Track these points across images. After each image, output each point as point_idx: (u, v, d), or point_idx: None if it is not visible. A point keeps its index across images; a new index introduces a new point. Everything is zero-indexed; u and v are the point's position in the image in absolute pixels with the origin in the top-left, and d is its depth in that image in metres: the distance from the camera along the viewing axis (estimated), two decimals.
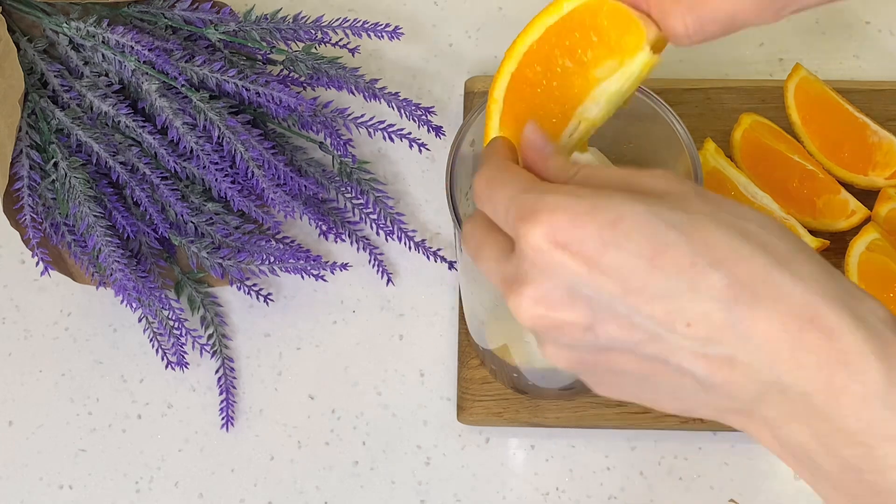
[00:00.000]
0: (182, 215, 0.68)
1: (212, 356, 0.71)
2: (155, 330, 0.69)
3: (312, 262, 0.69)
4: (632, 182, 0.40)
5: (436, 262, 0.72)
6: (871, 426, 0.36)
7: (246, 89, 0.67)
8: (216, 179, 0.68)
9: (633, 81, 0.46)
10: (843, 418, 0.36)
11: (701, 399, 0.39)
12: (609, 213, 0.37)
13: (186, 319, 0.70)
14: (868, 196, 0.70)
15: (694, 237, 0.37)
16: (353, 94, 0.71)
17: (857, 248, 0.68)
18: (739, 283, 0.37)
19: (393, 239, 0.72)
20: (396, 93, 0.70)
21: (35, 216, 0.66)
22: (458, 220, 0.53)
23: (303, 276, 0.72)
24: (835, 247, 0.70)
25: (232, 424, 0.69)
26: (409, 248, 0.72)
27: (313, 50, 0.71)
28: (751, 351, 0.37)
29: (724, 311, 0.37)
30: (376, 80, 0.71)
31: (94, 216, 0.66)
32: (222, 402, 0.69)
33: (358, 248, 0.73)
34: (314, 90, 0.73)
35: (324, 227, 0.72)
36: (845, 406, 0.36)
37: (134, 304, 0.68)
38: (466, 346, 0.69)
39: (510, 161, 0.44)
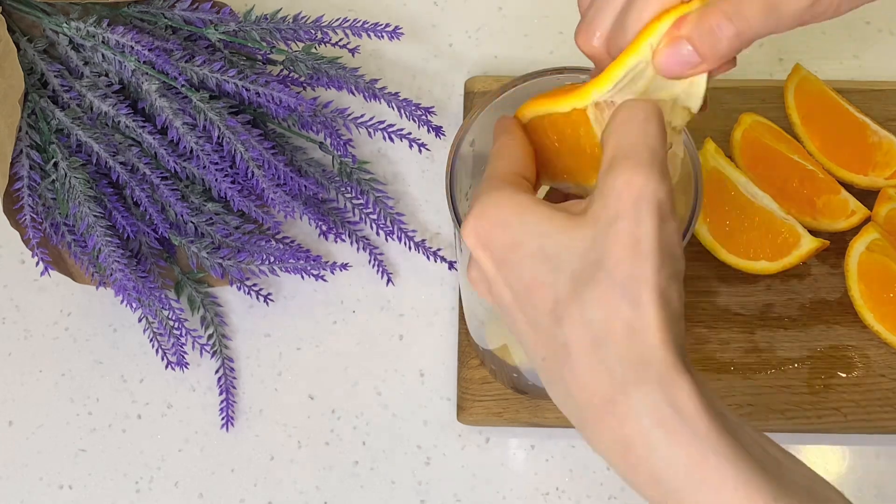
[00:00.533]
0: (182, 215, 0.68)
1: (212, 356, 0.71)
2: (155, 330, 0.69)
3: (312, 262, 0.69)
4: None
5: (436, 262, 0.72)
6: (664, 500, 0.40)
7: (246, 89, 0.67)
8: (216, 179, 0.68)
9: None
10: (641, 491, 0.40)
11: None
12: (513, 235, 0.43)
13: (186, 319, 0.70)
14: (868, 196, 0.71)
15: (564, 281, 0.41)
16: (353, 94, 0.71)
17: (857, 248, 0.68)
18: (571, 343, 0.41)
19: (393, 239, 0.72)
20: (396, 93, 0.70)
21: (35, 216, 0.66)
22: (458, 220, 0.53)
23: (303, 276, 0.72)
24: (835, 247, 0.70)
25: (232, 424, 0.69)
26: (409, 248, 0.72)
27: (313, 50, 0.71)
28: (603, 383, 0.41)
29: (553, 349, 0.42)
30: (376, 80, 0.71)
31: (94, 216, 0.66)
32: (222, 402, 0.69)
33: (358, 248, 0.73)
34: (314, 90, 0.73)
35: (324, 227, 0.72)
36: (641, 482, 0.40)
37: (134, 304, 0.68)
38: (466, 346, 0.69)
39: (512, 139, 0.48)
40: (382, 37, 0.71)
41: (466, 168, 0.59)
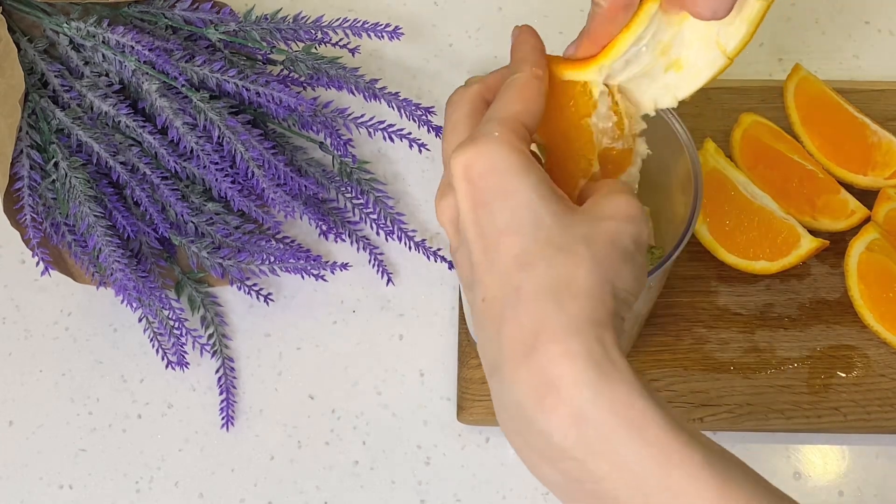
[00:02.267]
0: (182, 215, 0.68)
1: (212, 356, 0.71)
2: (155, 330, 0.69)
3: (312, 262, 0.69)
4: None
5: (436, 262, 0.72)
6: (579, 443, 0.40)
7: (246, 89, 0.67)
8: (216, 179, 0.68)
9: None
10: (553, 435, 0.41)
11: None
12: (507, 185, 0.44)
13: (186, 319, 0.70)
14: (868, 196, 0.71)
15: (537, 244, 0.43)
16: (353, 94, 0.71)
17: (857, 248, 0.69)
18: (524, 300, 0.43)
19: (393, 239, 0.72)
20: (396, 93, 0.70)
21: (35, 216, 0.66)
22: None
23: (303, 276, 0.72)
24: (834, 247, 0.70)
25: (232, 424, 0.69)
26: (409, 248, 0.72)
27: (313, 50, 0.71)
28: (497, 350, 0.44)
29: (502, 289, 0.43)
30: (376, 80, 0.71)
31: (95, 216, 0.66)
32: (222, 402, 0.69)
33: (358, 248, 0.73)
34: (314, 90, 0.73)
35: (324, 227, 0.72)
36: (555, 424, 0.41)
37: (134, 304, 0.68)
38: (466, 346, 0.69)
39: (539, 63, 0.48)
40: (382, 37, 0.71)
41: None
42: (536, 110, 0.46)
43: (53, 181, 0.67)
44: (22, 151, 0.66)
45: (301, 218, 0.71)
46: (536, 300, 0.42)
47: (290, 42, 0.71)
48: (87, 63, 0.68)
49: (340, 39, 0.71)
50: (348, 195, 0.73)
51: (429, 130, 0.71)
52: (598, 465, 0.40)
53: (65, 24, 0.68)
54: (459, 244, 0.46)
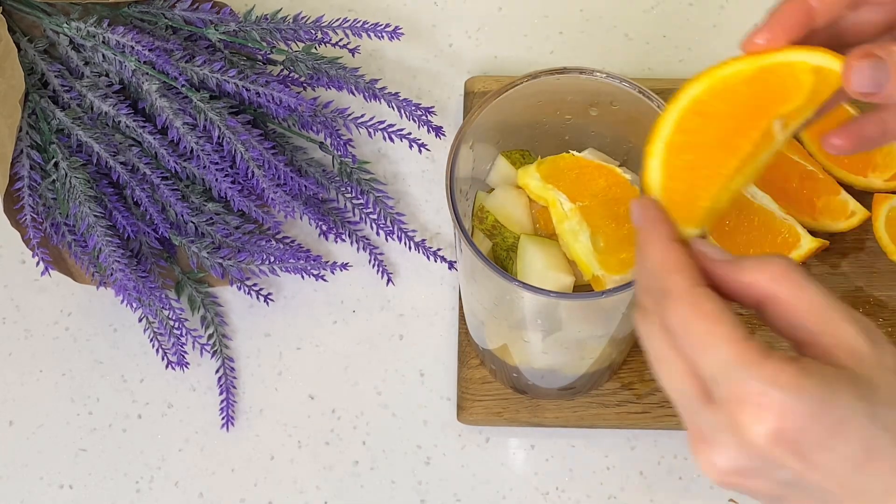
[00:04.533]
0: (182, 215, 0.68)
1: (212, 356, 0.71)
2: (155, 330, 0.69)
3: (312, 262, 0.69)
4: (827, 341, 0.40)
5: (436, 262, 0.72)
6: None
7: (246, 89, 0.67)
8: (216, 179, 0.68)
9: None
10: None
11: None
12: (833, 416, 0.38)
13: (186, 319, 0.70)
14: (867, 197, 0.71)
15: None
16: (353, 94, 0.71)
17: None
18: None
19: (393, 239, 0.72)
20: (396, 93, 0.70)
21: (35, 216, 0.66)
22: (458, 220, 0.53)
23: (303, 276, 0.72)
24: (835, 247, 0.70)
25: (232, 424, 0.69)
26: (409, 248, 0.72)
27: (313, 50, 0.71)
28: None
29: None
30: (376, 80, 0.71)
31: (95, 216, 0.66)
32: (222, 402, 0.69)
33: (358, 248, 0.73)
34: (314, 90, 0.73)
35: (324, 227, 0.72)
36: None
37: (134, 304, 0.68)
38: (466, 346, 0.69)
39: (683, 257, 0.42)
40: (382, 37, 0.71)
41: (466, 168, 0.59)
42: (735, 319, 0.41)
43: (53, 181, 0.67)
44: (22, 151, 0.66)
45: (301, 218, 0.71)
46: None
47: (290, 42, 0.71)
48: (87, 63, 0.68)
49: (340, 39, 0.71)
50: (348, 195, 0.73)
51: (429, 130, 0.71)
52: None
53: (65, 25, 0.68)
54: (785, 495, 0.40)
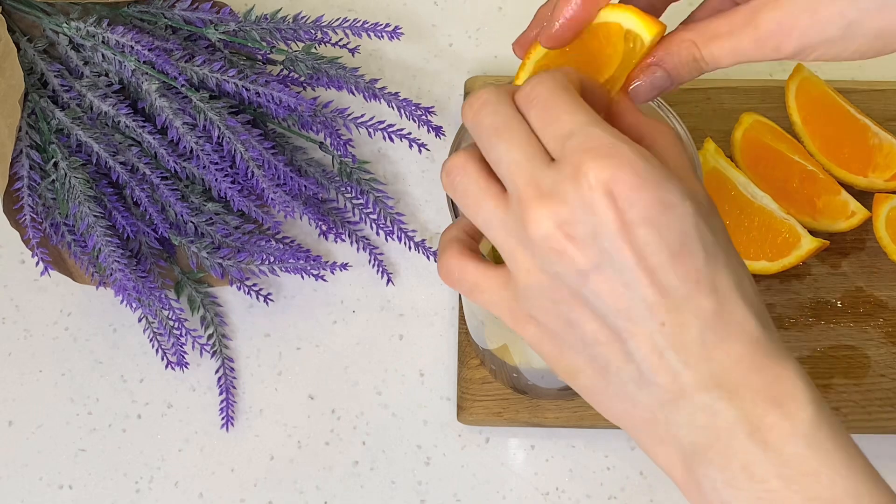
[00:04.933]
0: (182, 215, 0.68)
1: (212, 356, 0.71)
2: (155, 330, 0.69)
3: (312, 262, 0.69)
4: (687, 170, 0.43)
5: (436, 262, 0.72)
6: (792, 462, 0.39)
7: (246, 89, 0.67)
8: (216, 179, 0.68)
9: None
10: (766, 452, 0.39)
11: (624, 391, 0.41)
12: (669, 195, 0.40)
13: (186, 319, 0.70)
14: (868, 197, 0.71)
15: (710, 258, 0.40)
16: (353, 94, 0.71)
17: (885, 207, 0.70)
18: (722, 314, 0.40)
19: (393, 239, 0.72)
20: (396, 93, 0.70)
21: (35, 216, 0.66)
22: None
23: (303, 276, 0.72)
24: (835, 247, 0.70)
25: (232, 424, 0.69)
26: (409, 248, 0.72)
27: (313, 50, 0.71)
28: (702, 370, 0.40)
29: (698, 331, 0.40)
30: (376, 80, 0.71)
31: (94, 216, 0.66)
32: (222, 402, 0.69)
33: (358, 248, 0.73)
34: (314, 90, 0.73)
35: (324, 227, 0.72)
36: (771, 441, 0.39)
37: (134, 304, 0.68)
38: (466, 346, 0.69)
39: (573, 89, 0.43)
40: (382, 37, 0.71)
41: None
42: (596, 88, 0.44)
43: (53, 181, 0.67)
44: (22, 151, 0.66)
45: (301, 218, 0.71)
46: (738, 303, 0.40)
47: (290, 42, 0.71)
48: (86, 63, 0.68)
49: (340, 39, 0.71)
50: (348, 195, 0.73)
51: (429, 130, 0.71)
52: (808, 485, 0.39)
53: (64, 24, 0.68)
54: (594, 269, 0.40)
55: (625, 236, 0.39)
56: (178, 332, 0.69)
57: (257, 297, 0.71)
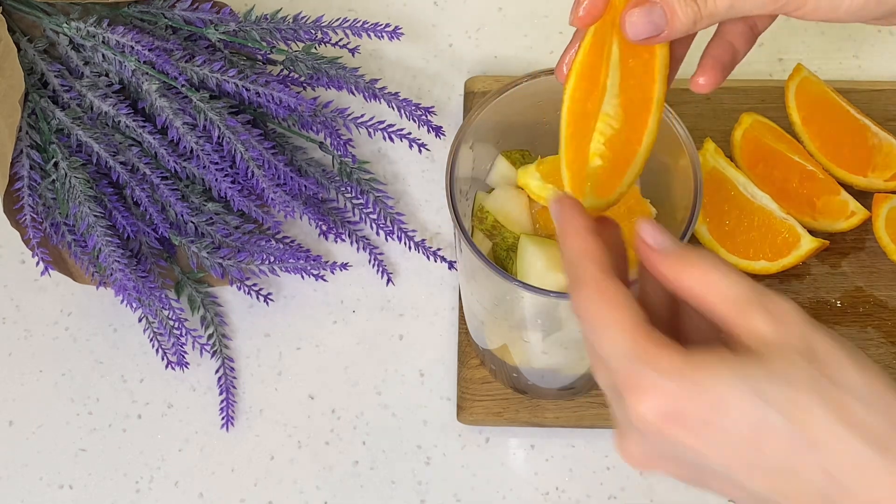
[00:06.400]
0: (182, 215, 0.68)
1: (212, 356, 0.71)
2: (155, 330, 0.69)
3: (312, 262, 0.69)
4: (738, 331, 0.41)
5: (436, 262, 0.72)
6: None
7: (246, 89, 0.67)
8: (216, 179, 0.68)
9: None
10: None
11: None
12: (711, 394, 0.39)
13: (186, 319, 0.70)
14: (867, 197, 0.71)
15: (793, 417, 0.39)
16: (353, 94, 0.71)
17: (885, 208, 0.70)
18: (834, 469, 0.39)
19: (393, 239, 0.72)
20: (396, 93, 0.70)
21: (35, 216, 0.66)
22: (458, 220, 0.53)
23: (303, 276, 0.72)
24: (834, 247, 0.70)
25: (232, 424, 0.69)
26: (409, 248, 0.72)
27: (313, 50, 0.71)
28: None
29: (818, 494, 0.39)
30: (376, 80, 0.71)
31: (94, 216, 0.66)
32: (222, 402, 0.69)
33: (358, 248, 0.73)
34: (314, 90, 0.73)
35: (324, 227, 0.72)
36: None
37: (134, 304, 0.68)
38: (466, 346, 0.69)
39: (595, 247, 0.44)
40: (382, 37, 0.71)
41: (466, 168, 0.59)
42: (638, 307, 0.42)
43: (53, 181, 0.67)
44: (22, 151, 0.66)
45: (301, 218, 0.71)
46: (860, 473, 0.38)
47: (290, 42, 0.71)
48: (86, 63, 0.68)
49: (340, 39, 0.71)
50: (348, 195, 0.73)
51: (429, 130, 0.71)
52: None
53: (65, 24, 0.68)
54: (698, 478, 0.42)
55: (702, 447, 0.40)
56: (178, 332, 0.69)
57: (257, 297, 0.71)
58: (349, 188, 0.72)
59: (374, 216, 0.72)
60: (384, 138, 0.71)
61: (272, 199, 0.68)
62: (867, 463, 0.38)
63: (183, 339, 0.69)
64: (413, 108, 0.70)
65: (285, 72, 0.71)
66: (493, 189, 0.62)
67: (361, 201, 0.73)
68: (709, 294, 0.41)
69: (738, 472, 0.40)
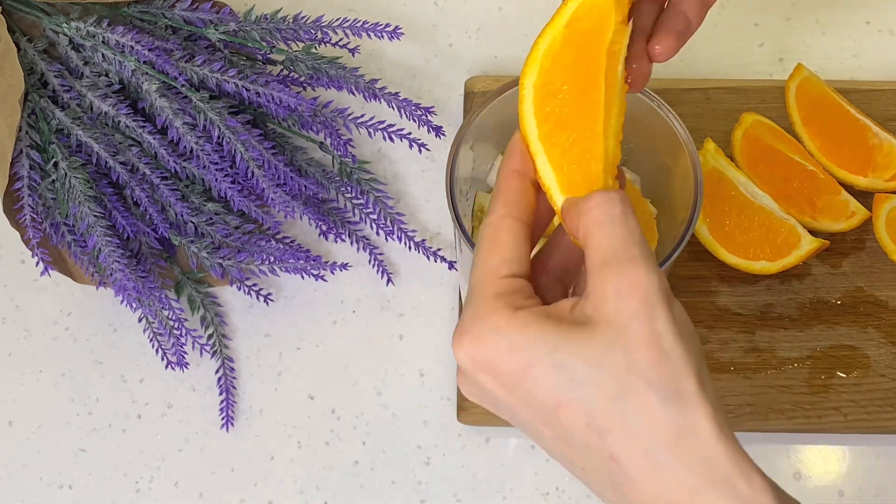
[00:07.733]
0: (182, 215, 0.68)
1: (212, 356, 0.71)
2: (155, 330, 0.69)
3: (312, 262, 0.69)
4: (591, 287, 0.42)
5: (436, 262, 0.72)
6: None
7: (246, 89, 0.67)
8: (216, 179, 0.68)
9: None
10: None
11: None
12: (521, 358, 0.41)
13: (186, 319, 0.70)
14: (868, 197, 0.71)
15: (588, 400, 0.40)
16: (353, 94, 0.71)
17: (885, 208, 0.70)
18: (621, 456, 0.40)
19: (393, 239, 0.72)
20: (396, 93, 0.70)
21: (35, 216, 0.66)
22: (458, 220, 0.54)
23: (303, 276, 0.72)
24: (835, 247, 0.70)
25: (232, 424, 0.69)
26: (409, 248, 0.72)
27: (313, 50, 0.71)
28: None
29: (607, 476, 0.41)
30: (376, 80, 0.71)
31: (94, 216, 0.66)
32: (222, 402, 0.69)
33: (358, 248, 0.73)
34: (314, 90, 0.73)
35: (324, 227, 0.72)
36: None
37: (134, 304, 0.68)
38: None
39: (513, 187, 0.46)
40: (382, 37, 0.71)
41: (466, 168, 0.59)
42: (516, 240, 0.44)
43: (53, 181, 0.67)
44: (22, 151, 0.66)
45: (301, 218, 0.71)
46: (640, 465, 0.39)
47: (290, 42, 0.71)
48: (86, 63, 0.68)
49: (340, 39, 0.71)
50: (348, 195, 0.73)
51: (429, 130, 0.71)
52: None
53: (64, 24, 0.68)
54: (520, 426, 0.44)
55: (509, 402, 0.44)
56: (178, 332, 0.69)
57: (257, 297, 0.71)
58: (349, 188, 0.72)
59: (374, 216, 0.72)
60: (384, 138, 0.71)
61: (272, 199, 0.68)
62: (653, 457, 0.39)
63: (183, 340, 0.69)
64: (413, 108, 0.70)
65: (285, 72, 0.71)
66: (493, 189, 0.62)
67: (361, 201, 0.73)
68: (591, 239, 0.42)
69: (542, 433, 0.43)
